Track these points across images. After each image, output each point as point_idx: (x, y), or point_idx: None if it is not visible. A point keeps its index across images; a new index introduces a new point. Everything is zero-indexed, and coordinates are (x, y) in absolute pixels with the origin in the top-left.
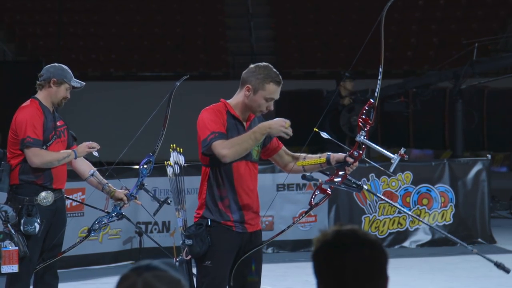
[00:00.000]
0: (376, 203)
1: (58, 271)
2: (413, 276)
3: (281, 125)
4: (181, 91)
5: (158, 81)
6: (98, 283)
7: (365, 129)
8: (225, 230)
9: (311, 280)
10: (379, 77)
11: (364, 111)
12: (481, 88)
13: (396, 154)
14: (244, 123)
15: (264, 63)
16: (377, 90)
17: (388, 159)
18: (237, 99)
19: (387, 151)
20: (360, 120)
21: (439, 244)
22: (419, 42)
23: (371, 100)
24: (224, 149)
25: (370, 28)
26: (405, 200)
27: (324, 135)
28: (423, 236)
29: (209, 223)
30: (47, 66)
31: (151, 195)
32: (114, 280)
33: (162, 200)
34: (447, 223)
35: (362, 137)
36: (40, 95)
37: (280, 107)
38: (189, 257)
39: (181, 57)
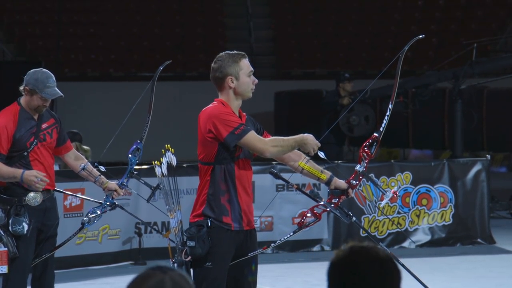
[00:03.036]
0: (376, 203)
1: (57, 271)
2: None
3: (316, 144)
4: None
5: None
6: (97, 283)
7: (366, 160)
8: (225, 231)
9: (311, 280)
10: (388, 113)
11: (367, 144)
12: (481, 88)
13: (389, 190)
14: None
15: (219, 55)
16: (383, 126)
17: (387, 160)
18: (225, 98)
19: (380, 185)
20: (362, 151)
21: (438, 244)
22: (419, 42)
23: (375, 134)
24: (266, 145)
25: (370, 28)
26: (404, 200)
27: (322, 155)
28: (422, 236)
29: (209, 224)
30: (30, 71)
31: (143, 182)
32: (113, 280)
33: (154, 186)
34: (446, 223)
35: (362, 168)
36: (22, 99)
37: (280, 107)
38: (188, 258)
39: (181, 57)
